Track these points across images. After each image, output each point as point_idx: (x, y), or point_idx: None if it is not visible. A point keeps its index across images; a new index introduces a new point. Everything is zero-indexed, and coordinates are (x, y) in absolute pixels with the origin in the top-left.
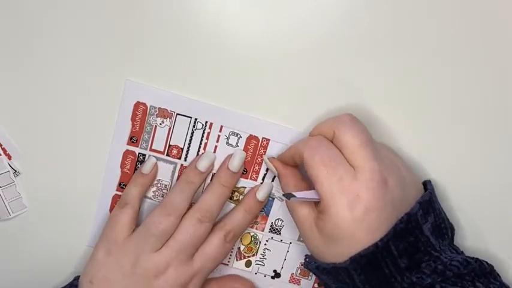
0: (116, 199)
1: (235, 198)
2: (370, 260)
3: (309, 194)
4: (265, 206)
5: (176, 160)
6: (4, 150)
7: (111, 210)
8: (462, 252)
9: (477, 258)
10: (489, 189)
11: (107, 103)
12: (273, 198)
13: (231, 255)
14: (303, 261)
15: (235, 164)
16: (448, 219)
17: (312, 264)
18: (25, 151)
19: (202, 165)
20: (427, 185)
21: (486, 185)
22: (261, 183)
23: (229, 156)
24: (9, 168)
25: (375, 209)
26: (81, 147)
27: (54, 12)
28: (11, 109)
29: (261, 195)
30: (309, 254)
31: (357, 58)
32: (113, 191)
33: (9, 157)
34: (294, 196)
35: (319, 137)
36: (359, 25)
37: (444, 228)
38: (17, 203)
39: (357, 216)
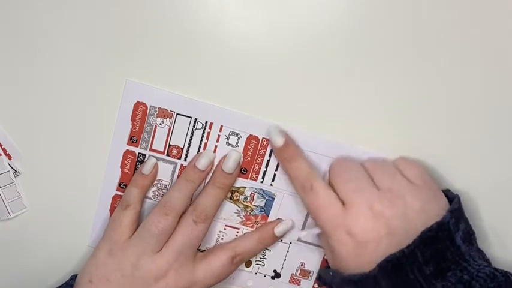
0: (115, 199)
1: (234, 198)
2: (396, 266)
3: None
4: (265, 206)
5: (176, 160)
6: (4, 150)
7: (111, 210)
8: (488, 259)
9: (505, 272)
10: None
11: (107, 103)
12: (273, 198)
13: None
14: (318, 276)
15: (229, 166)
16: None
17: (336, 278)
18: (25, 151)
19: (202, 163)
20: (448, 194)
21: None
22: (261, 182)
23: (224, 157)
24: (9, 168)
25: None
26: (81, 148)
27: (55, 12)
28: (11, 109)
29: (279, 231)
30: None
31: (357, 57)
32: (113, 191)
33: (9, 157)
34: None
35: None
36: (359, 24)
37: (472, 234)
38: (17, 203)
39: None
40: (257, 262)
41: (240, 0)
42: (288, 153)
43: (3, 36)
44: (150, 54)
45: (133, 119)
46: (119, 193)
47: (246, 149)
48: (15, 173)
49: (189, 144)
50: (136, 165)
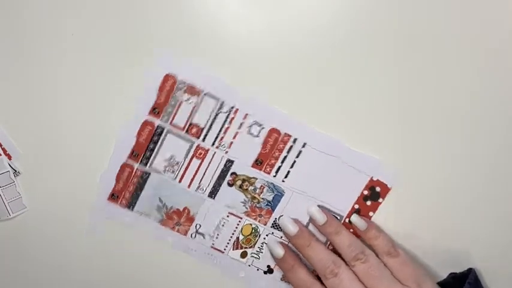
0: (124, 168)
1: (244, 187)
2: None
3: None
4: (272, 201)
5: (194, 139)
6: (4, 150)
7: (117, 178)
8: None
9: None
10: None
11: (108, 103)
12: (282, 195)
13: (228, 243)
14: None
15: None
16: None
17: None
18: (25, 151)
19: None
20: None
21: None
22: (274, 176)
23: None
24: (9, 168)
25: None
26: (81, 148)
27: (55, 11)
28: (11, 109)
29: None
30: None
31: (357, 57)
32: (124, 158)
33: (9, 157)
34: None
35: None
36: (360, 24)
37: None
38: (17, 203)
39: None
40: (253, 254)
41: None
42: (304, 238)
43: (3, 36)
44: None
45: (161, 89)
46: (130, 162)
47: (266, 141)
48: (15, 173)
49: (211, 126)
50: (152, 137)
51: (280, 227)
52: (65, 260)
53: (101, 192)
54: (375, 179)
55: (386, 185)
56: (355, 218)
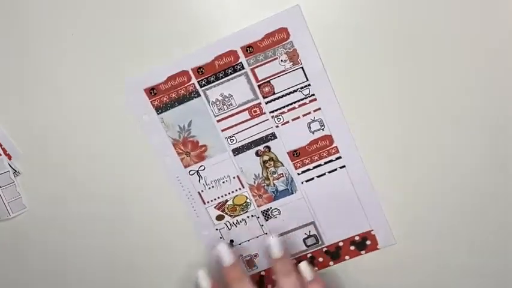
0: (182, 74)
1: (267, 164)
2: None
3: None
4: (279, 192)
5: (260, 96)
6: (4, 150)
7: (168, 78)
8: None
9: None
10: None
11: (108, 103)
12: (291, 193)
13: (215, 199)
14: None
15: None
16: None
17: None
18: (25, 151)
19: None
20: None
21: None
22: (299, 174)
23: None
24: (9, 168)
25: None
26: (81, 147)
27: (55, 11)
28: (11, 109)
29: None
30: None
31: (358, 57)
32: (188, 66)
33: (9, 157)
34: None
35: None
36: (361, 22)
37: None
38: (17, 203)
39: None
40: (227, 223)
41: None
42: (286, 267)
43: (3, 36)
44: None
45: (268, 37)
46: (191, 73)
47: (315, 141)
48: (15, 173)
49: (283, 96)
50: (228, 68)
51: (267, 218)
52: (64, 260)
53: (146, 78)
54: (373, 233)
55: (377, 244)
56: (303, 266)
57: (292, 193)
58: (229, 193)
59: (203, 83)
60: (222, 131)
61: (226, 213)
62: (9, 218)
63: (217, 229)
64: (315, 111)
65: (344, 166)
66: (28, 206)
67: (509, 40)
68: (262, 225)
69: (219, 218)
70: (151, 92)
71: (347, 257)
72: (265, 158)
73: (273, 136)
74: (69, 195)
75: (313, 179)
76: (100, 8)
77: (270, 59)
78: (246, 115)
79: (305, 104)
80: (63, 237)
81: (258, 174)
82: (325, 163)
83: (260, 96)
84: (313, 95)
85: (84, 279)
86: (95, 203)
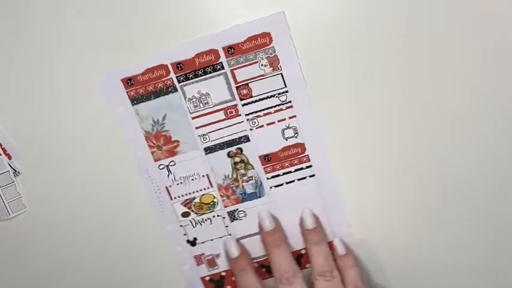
0: (161, 67)
1: (238, 166)
2: None
3: None
4: (247, 195)
5: (237, 98)
6: (4, 150)
7: (147, 70)
8: None
9: None
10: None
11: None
12: (258, 197)
13: (182, 196)
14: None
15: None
16: None
17: None
18: (25, 151)
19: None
20: None
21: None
22: (268, 178)
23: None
24: (9, 168)
25: None
26: (81, 147)
27: (55, 11)
28: (11, 109)
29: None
30: None
31: (358, 57)
32: (167, 60)
33: (9, 157)
34: None
35: None
36: (360, 23)
37: None
38: (17, 203)
39: None
40: (192, 220)
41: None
42: (276, 238)
43: (3, 36)
44: None
45: (250, 39)
46: (170, 68)
47: (288, 148)
48: (15, 173)
49: (260, 100)
50: (207, 67)
51: (232, 219)
52: (64, 260)
53: (124, 69)
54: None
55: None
56: (337, 241)
57: (260, 197)
58: (197, 191)
59: (181, 78)
60: (196, 128)
61: (193, 211)
62: (9, 218)
63: (181, 225)
64: (290, 118)
65: (314, 175)
66: (28, 206)
67: (509, 40)
68: (227, 226)
69: (185, 214)
70: (128, 82)
71: (308, 265)
72: (237, 159)
73: (246, 139)
74: (69, 195)
75: (282, 185)
76: (100, 8)
77: (251, 62)
78: (221, 115)
79: (281, 110)
80: (63, 237)
81: (228, 175)
82: (296, 170)
83: (237, 97)
84: (290, 102)
85: (84, 279)
86: (94, 202)
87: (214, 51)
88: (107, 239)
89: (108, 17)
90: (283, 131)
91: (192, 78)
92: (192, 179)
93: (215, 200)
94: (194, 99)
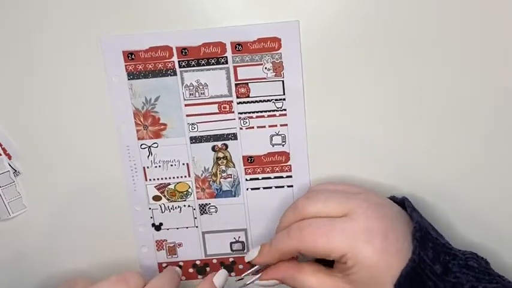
0: (165, 48)
1: (219, 162)
2: (413, 278)
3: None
4: (223, 192)
5: (234, 95)
6: (4, 150)
7: (150, 49)
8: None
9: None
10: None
11: (108, 102)
12: (234, 196)
13: (158, 179)
14: None
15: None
16: None
17: None
18: (25, 151)
19: (220, 283)
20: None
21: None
22: (247, 180)
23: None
24: (9, 168)
25: (386, 228)
26: (81, 147)
27: (55, 11)
28: (11, 109)
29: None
30: None
31: (358, 57)
32: (172, 42)
33: (9, 157)
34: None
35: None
36: (360, 22)
37: (431, 224)
38: (17, 203)
39: (380, 246)
40: (162, 205)
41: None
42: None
43: (2, 36)
44: None
45: (260, 41)
46: (174, 51)
47: (273, 154)
48: (15, 173)
49: (256, 101)
50: (212, 58)
51: (202, 212)
52: (65, 260)
53: (128, 41)
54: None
55: None
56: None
57: (235, 196)
58: (173, 177)
59: (183, 64)
60: (187, 116)
61: (165, 196)
62: (9, 218)
63: (150, 208)
64: (281, 125)
65: (292, 186)
66: (28, 206)
67: (510, 40)
68: (195, 218)
69: (156, 198)
70: (129, 56)
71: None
72: (220, 155)
73: (234, 137)
74: (69, 195)
75: (259, 188)
76: (100, 7)
77: (255, 63)
78: (214, 108)
79: (274, 115)
80: (63, 237)
81: (208, 168)
82: (275, 177)
83: (234, 94)
84: (285, 110)
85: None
86: (94, 203)
87: (221, 44)
88: (106, 238)
89: None
90: (271, 136)
91: (193, 66)
92: (171, 165)
93: (189, 190)
94: (191, 87)
